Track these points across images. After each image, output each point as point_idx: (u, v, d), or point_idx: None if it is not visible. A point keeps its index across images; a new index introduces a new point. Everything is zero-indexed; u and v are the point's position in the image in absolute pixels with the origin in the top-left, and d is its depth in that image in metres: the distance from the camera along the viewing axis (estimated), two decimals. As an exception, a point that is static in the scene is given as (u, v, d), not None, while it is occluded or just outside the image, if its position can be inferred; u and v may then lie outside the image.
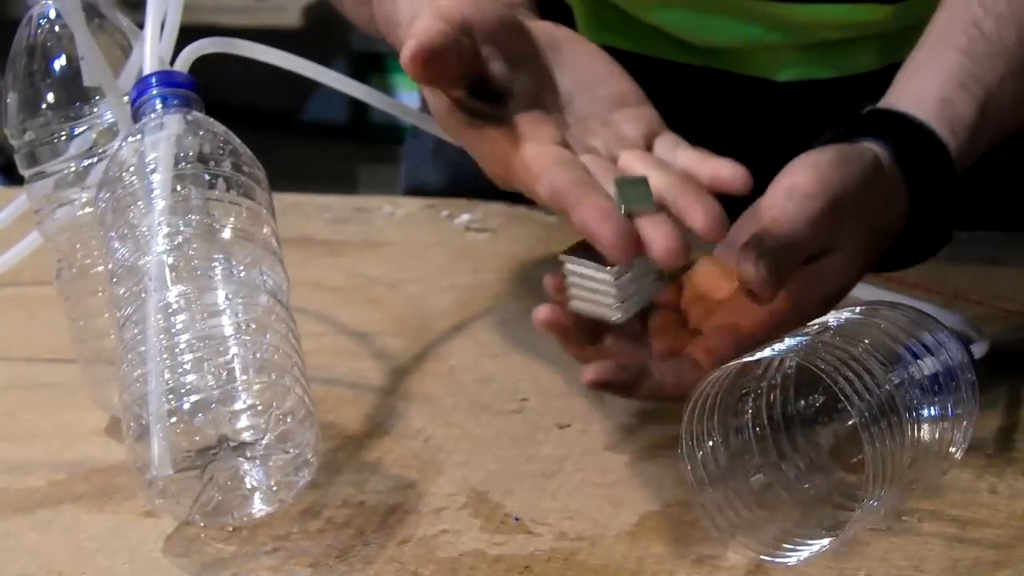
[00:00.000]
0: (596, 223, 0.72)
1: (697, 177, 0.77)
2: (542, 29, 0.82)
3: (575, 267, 0.75)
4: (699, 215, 0.73)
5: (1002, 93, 0.85)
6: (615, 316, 0.75)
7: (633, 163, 0.78)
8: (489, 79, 0.79)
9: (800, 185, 0.78)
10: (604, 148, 0.79)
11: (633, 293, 0.76)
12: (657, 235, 0.72)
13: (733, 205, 0.78)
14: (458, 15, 0.78)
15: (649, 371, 0.77)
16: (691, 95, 1.07)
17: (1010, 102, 0.86)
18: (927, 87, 0.84)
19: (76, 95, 0.82)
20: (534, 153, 0.76)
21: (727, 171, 0.76)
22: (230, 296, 0.74)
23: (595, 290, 0.75)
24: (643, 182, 0.75)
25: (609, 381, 0.76)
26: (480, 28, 0.79)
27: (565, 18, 1.07)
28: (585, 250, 0.75)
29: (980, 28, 0.86)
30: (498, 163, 0.78)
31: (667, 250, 0.72)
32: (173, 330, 0.73)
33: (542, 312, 0.77)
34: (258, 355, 0.73)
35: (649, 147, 0.80)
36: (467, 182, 1.02)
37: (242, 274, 0.75)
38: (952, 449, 0.73)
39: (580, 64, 0.82)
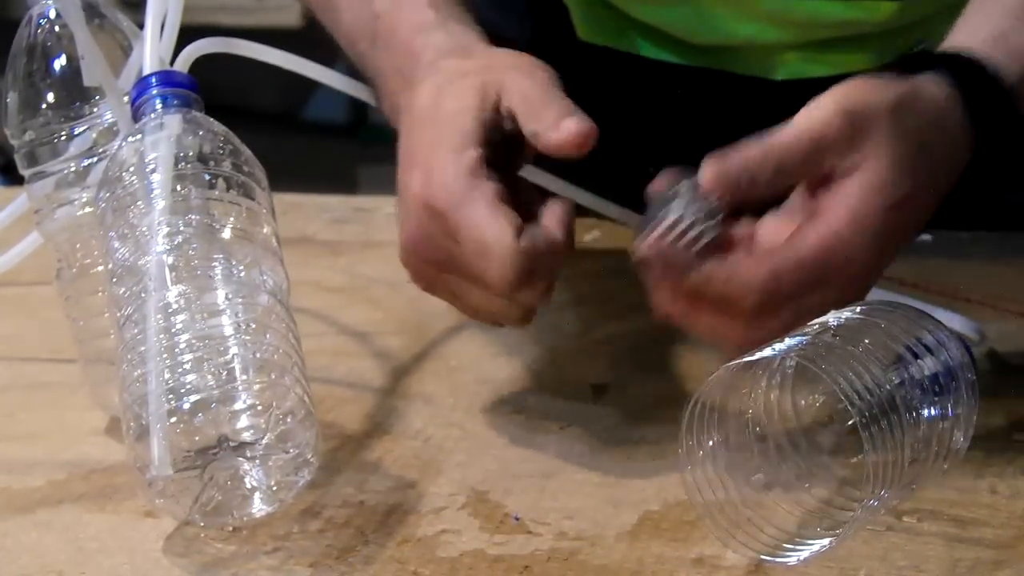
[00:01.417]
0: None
1: None
2: None
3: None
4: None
5: None
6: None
7: None
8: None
9: (817, 102, 0.77)
10: None
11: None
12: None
13: None
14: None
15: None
16: (689, 95, 1.07)
17: None
18: (980, 26, 0.83)
19: (76, 95, 0.82)
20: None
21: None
22: (230, 296, 0.74)
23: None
24: None
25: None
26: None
27: (562, 19, 1.07)
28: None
29: None
30: None
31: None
32: (173, 330, 0.73)
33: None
34: (258, 355, 0.73)
35: None
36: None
37: (242, 274, 0.75)
38: (952, 449, 0.73)
39: None
